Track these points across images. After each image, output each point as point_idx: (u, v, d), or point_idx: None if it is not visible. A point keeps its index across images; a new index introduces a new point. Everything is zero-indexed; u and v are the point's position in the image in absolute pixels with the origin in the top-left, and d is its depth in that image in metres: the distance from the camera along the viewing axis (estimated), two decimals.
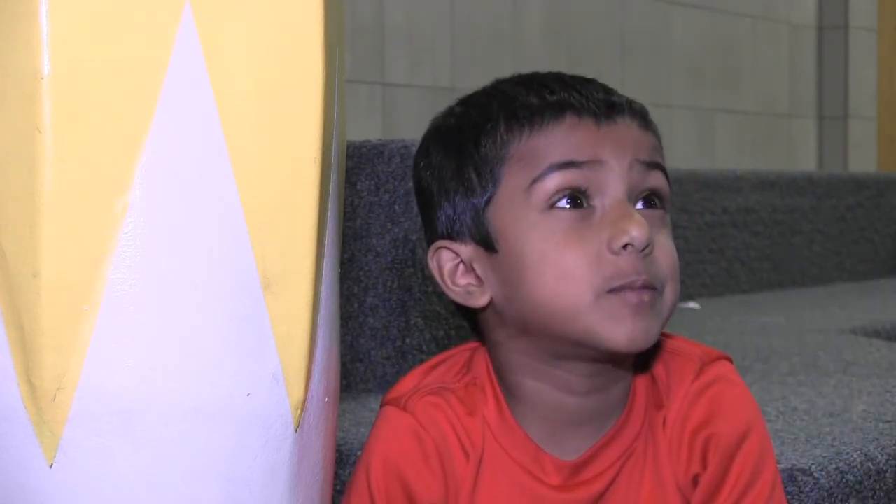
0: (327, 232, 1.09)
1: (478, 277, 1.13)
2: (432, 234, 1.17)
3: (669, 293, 1.11)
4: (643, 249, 1.07)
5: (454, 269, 1.14)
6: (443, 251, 1.14)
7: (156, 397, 1.00)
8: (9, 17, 0.97)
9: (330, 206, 1.10)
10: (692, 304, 3.17)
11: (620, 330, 1.07)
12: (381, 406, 1.18)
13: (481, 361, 1.18)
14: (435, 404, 1.15)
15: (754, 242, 3.52)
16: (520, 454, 1.14)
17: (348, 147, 1.81)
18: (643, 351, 1.11)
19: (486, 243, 1.12)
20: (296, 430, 1.06)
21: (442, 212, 1.15)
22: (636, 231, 1.07)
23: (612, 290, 1.07)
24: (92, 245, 0.98)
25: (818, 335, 2.55)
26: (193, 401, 1.01)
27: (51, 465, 1.00)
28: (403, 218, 1.85)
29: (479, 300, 1.13)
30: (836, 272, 3.81)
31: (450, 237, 1.14)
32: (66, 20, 0.96)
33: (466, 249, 1.13)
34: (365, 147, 1.89)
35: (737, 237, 3.46)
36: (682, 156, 3.96)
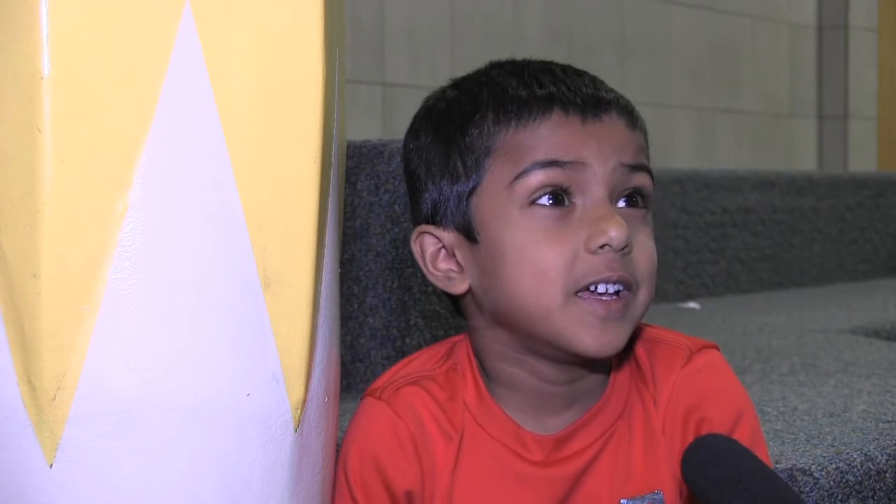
0: (327, 232, 1.09)
1: (458, 264, 1.14)
2: (417, 217, 1.17)
3: (643, 294, 1.11)
4: (621, 249, 1.08)
5: (436, 253, 1.15)
6: (426, 235, 1.15)
7: (156, 397, 1.00)
8: (9, 17, 0.97)
9: (330, 206, 1.10)
10: (692, 304, 3.17)
11: (589, 336, 1.09)
12: (360, 400, 1.19)
13: (462, 349, 1.19)
14: (412, 392, 1.16)
15: (754, 242, 3.52)
16: (500, 433, 1.15)
17: (348, 147, 1.80)
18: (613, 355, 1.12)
19: (468, 233, 1.12)
20: (296, 430, 1.06)
21: (428, 195, 1.15)
22: (614, 231, 1.07)
23: (582, 292, 1.08)
24: (92, 245, 0.98)
25: (818, 335, 2.55)
26: (193, 401, 1.01)
27: (51, 465, 1.00)
28: (403, 218, 1.85)
29: (459, 287, 1.14)
30: (836, 272, 3.80)
31: (433, 222, 1.15)
32: (66, 20, 0.96)
33: (449, 236, 1.14)
34: (365, 147, 1.89)
35: (737, 237, 3.46)
36: (682, 156, 3.96)
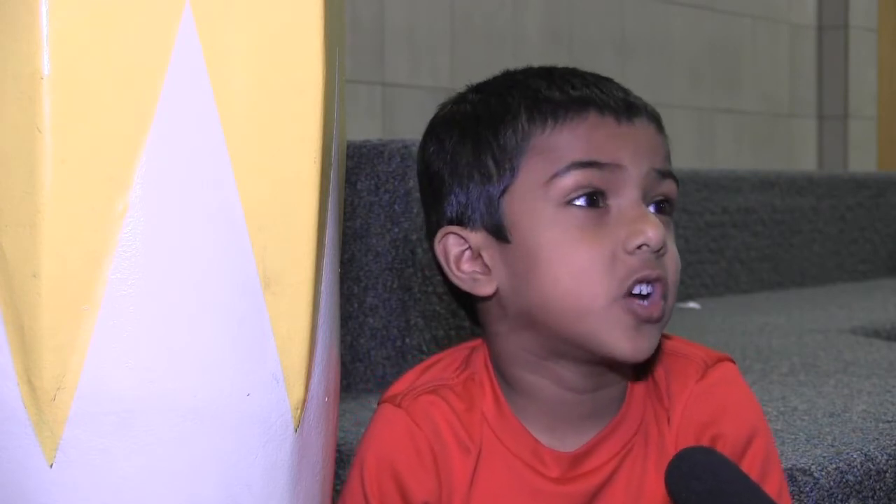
0: (327, 232, 1.09)
1: (485, 265, 1.13)
2: (439, 219, 1.16)
3: (670, 299, 1.11)
4: (658, 251, 1.08)
5: (460, 254, 1.14)
6: (450, 236, 1.14)
7: (156, 397, 1.00)
8: (9, 17, 0.97)
9: (330, 206, 1.10)
10: (692, 304, 3.17)
11: (624, 340, 1.08)
12: (378, 405, 1.18)
13: (480, 357, 1.18)
14: (431, 402, 1.15)
15: (754, 242, 3.52)
16: (518, 447, 1.14)
17: (348, 147, 1.81)
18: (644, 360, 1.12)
19: (499, 233, 1.12)
20: (296, 430, 1.06)
21: (453, 197, 1.14)
22: (652, 232, 1.07)
23: (625, 295, 1.08)
24: (92, 245, 0.98)
25: (818, 335, 2.55)
26: (193, 401, 1.01)
27: (51, 465, 1.00)
28: (403, 218, 1.85)
29: (485, 289, 1.13)
30: (836, 272, 3.80)
31: (460, 223, 1.14)
32: (66, 20, 0.96)
33: (476, 237, 1.13)
34: (365, 147, 1.89)
35: (737, 237, 3.46)
36: (682, 156, 3.96)
